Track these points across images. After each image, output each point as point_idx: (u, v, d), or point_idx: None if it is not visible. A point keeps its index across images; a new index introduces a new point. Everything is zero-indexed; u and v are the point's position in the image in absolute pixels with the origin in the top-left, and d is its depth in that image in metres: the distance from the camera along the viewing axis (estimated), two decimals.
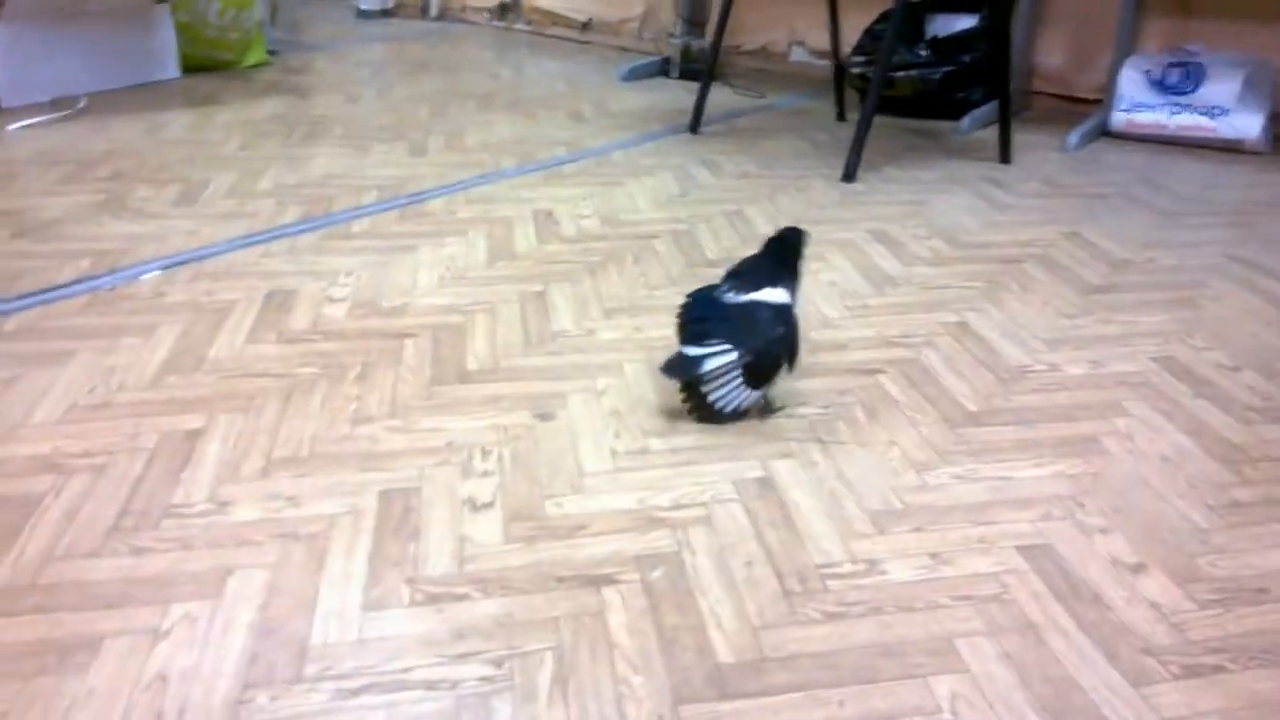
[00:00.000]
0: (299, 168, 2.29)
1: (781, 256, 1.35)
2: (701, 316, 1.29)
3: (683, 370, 1.26)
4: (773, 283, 1.30)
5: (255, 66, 3.33)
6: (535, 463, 1.19)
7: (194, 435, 1.23)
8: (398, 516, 1.08)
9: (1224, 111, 2.60)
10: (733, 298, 1.29)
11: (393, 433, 1.24)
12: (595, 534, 1.06)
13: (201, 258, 1.76)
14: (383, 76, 3.32)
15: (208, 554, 1.02)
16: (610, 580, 0.99)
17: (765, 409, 1.30)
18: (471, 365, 1.41)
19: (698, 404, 1.27)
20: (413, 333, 1.50)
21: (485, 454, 1.20)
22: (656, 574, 1.01)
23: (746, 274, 1.32)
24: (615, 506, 1.11)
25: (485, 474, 1.16)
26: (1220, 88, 2.60)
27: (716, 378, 1.24)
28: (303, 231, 1.90)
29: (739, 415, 1.28)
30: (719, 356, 1.24)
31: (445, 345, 1.47)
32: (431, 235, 1.90)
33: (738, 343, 1.24)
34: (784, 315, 1.29)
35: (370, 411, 1.29)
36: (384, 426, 1.25)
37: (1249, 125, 2.57)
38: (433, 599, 0.97)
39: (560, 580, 0.99)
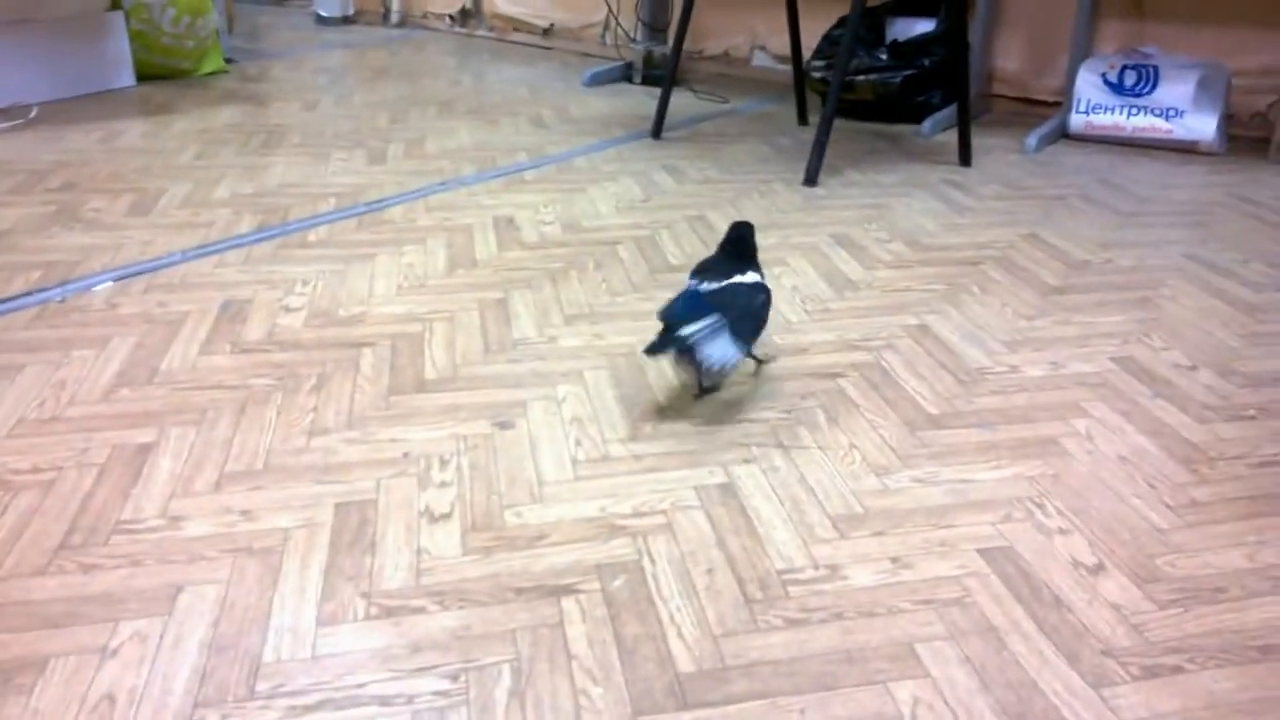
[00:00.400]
0: (255, 176, 2.26)
1: (739, 250, 1.40)
2: (684, 309, 1.29)
3: (670, 336, 1.24)
4: (741, 271, 1.36)
5: (212, 74, 3.29)
6: (494, 472, 1.17)
7: (146, 449, 1.20)
8: (353, 529, 1.06)
9: (1179, 113, 2.63)
10: (708, 287, 1.32)
11: (349, 444, 1.22)
12: (555, 544, 1.05)
13: (155, 269, 1.73)
14: (342, 83, 3.29)
15: (158, 570, 1.00)
16: (570, 590, 0.98)
17: (758, 363, 1.40)
18: (430, 374, 1.39)
19: (692, 369, 1.30)
20: (370, 342, 1.48)
21: (443, 464, 1.18)
22: (617, 583, 1.00)
23: (712, 269, 1.37)
24: (575, 515, 1.10)
25: (443, 484, 1.14)
26: (1175, 89, 2.63)
27: (705, 337, 1.24)
28: (259, 241, 1.87)
29: (725, 375, 1.33)
30: (704, 319, 1.26)
31: (403, 354, 1.45)
32: (390, 243, 1.88)
33: (723, 311, 1.27)
34: (760, 287, 1.36)
35: (326, 422, 1.27)
36: (340, 438, 1.23)
37: (1204, 126, 2.61)
38: (388, 613, 0.95)
39: (519, 591, 0.98)
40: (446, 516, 1.09)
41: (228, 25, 3.59)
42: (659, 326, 1.28)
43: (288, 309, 1.59)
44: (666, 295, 1.67)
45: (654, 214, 2.10)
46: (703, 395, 1.36)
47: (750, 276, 1.36)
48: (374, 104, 3.00)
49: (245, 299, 1.62)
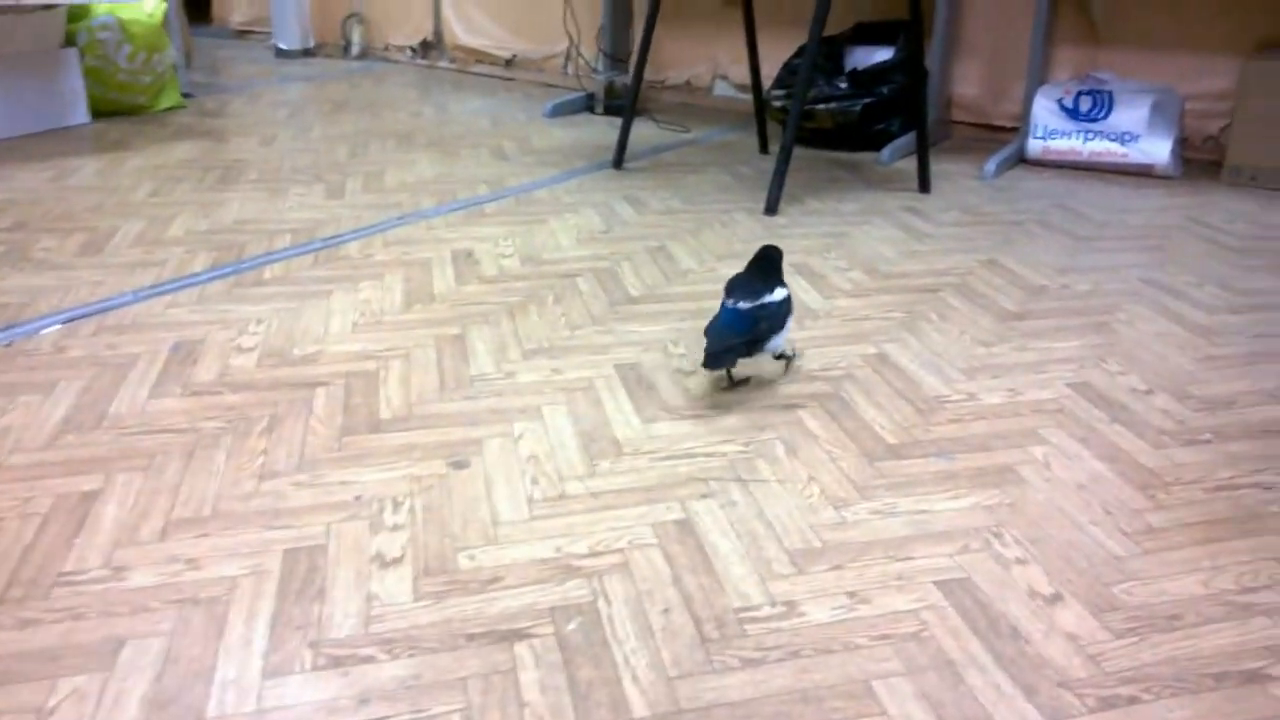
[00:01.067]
0: (211, 213, 2.24)
1: (766, 268, 1.50)
2: (733, 322, 1.43)
3: (734, 347, 1.42)
4: (770, 289, 1.47)
5: (169, 110, 3.27)
6: (448, 514, 1.15)
7: (90, 497, 1.17)
8: (302, 576, 1.04)
9: (1134, 137, 2.67)
10: (745, 305, 1.44)
11: (300, 488, 1.20)
12: (509, 587, 1.03)
13: (105, 310, 1.70)
14: (301, 117, 3.27)
15: (100, 624, 0.97)
16: (523, 635, 0.96)
17: (789, 361, 1.54)
18: (384, 414, 1.38)
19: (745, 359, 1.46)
20: (324, 381, 1.46)
21: (396, 506, 1.16)
22: (571, 626, 0.98)
23: (744, 286, 1.48)
24: (531, 556, 1.08)
25: (395, 528, 1.12)
26: (1130, 114, 2.67)
27: (769, 315, 1.43)
28: (212, 279, 1.85)
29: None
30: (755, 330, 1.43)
31: (357, 394, 1.43)
32: (346, 279, 1.86)
33: (763, 322, 1.43)
34: (788, 301, 1.49)
35: (277, 466, 1.24)
36: (290, 481, 1.21)
37: (1158, 150, 2.64)
38: (336, 662, 0.93)
39: (470, 638, 0.96)
40: (398, 561, 1.07)
41: (185, 60, 3.57)
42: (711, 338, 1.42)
43: (240, 349, 1.56)
44: (627, 328, 1.66)
45: (615, 245, 2.09)
46: (735, 387, 1.48)
47: (779, 293, 1.48)
48: (333, 137, 2.99)
49: (197, 339, 1.59)
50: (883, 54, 2.98)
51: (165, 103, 3.26)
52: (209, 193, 2.39)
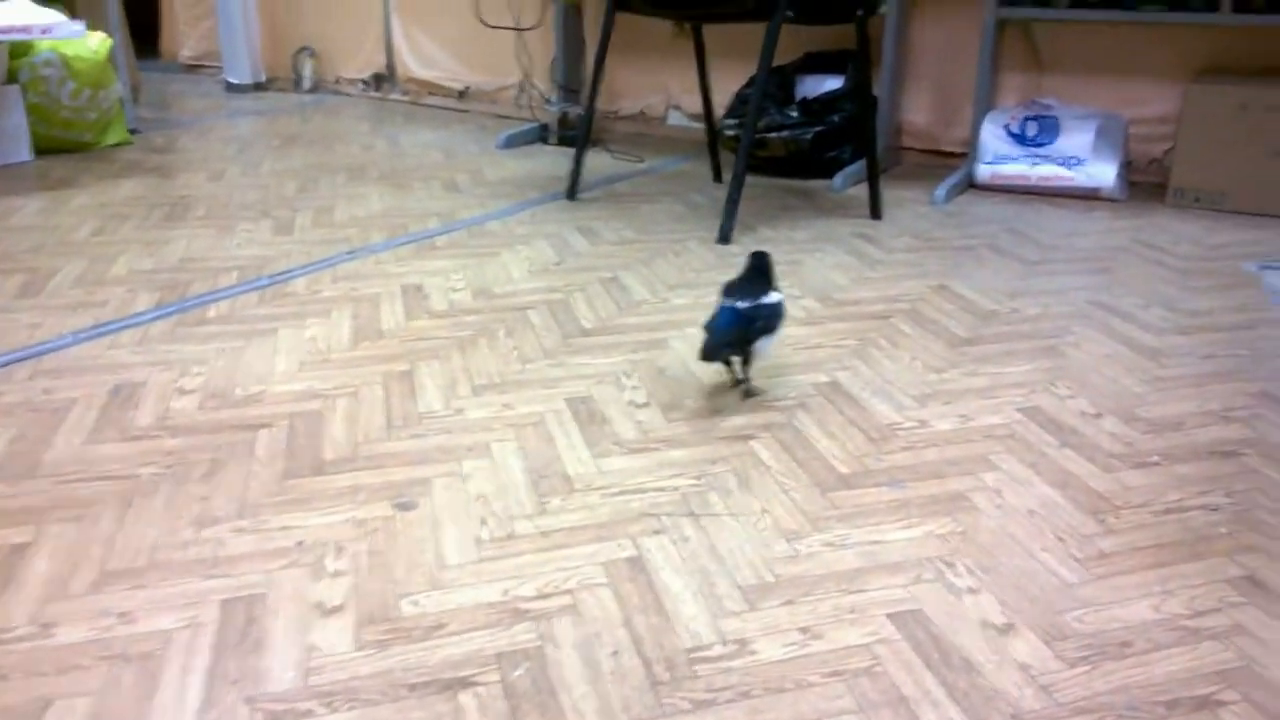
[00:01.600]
0: (156, 251, 2.20)
1: (759, 274, 1.56)
2: (731, 320, 1.48)
3: (728, 342, 1.48)
4: (765, 292, 1.53)
5: (115, 146, 3.22)
6: (393, 558, 1.13)
7: (20, 550, 1.13)
8: (240, 628, 1.01)
9: (1080, 161, 2.70)
10: (744, 305, 1.49)
11: (239, 534, 1.17)
12: (454, 633, 1.01)
13: (42, 353, 1.66)
14: (251, 152, 3.24)
15: (24, 685, 0.93)
16: (467, 683, 0.94)
17: (750, 392, 1.55)
18: (329, 455, 1.35)
19: (741, 360, 1.52)
20: (267, 423, 1.43)
21: (339, 552, 1.14)
22: (518, 673, 0.96)
23: (740, 289, 1.53)
24: (477, 600, 1.06)
25: (337, 574, 1.10)
26: (1075, 139, 2.71)
27: (765, 316, 1.50)
28: (155, 319, 1.81)
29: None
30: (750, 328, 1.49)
31: (301, 435, 1.40)
32: (293, 317, 1.83)
33: (759, 320, 1.50)
34: (781, 304, 1.55)
35: (216, 512, 1.21)
36: (230, 528, 1.18)
37: (1104, 174, 2.68)
38: (274, 718, 0.90)
39: (413, 688, 0.93)
40: (339, 609, 1.04)
41: (132, 95, 3.52)
42: (694, 342, 1.47)
43: (182, 391, 1.53)
44: (579, 361, 1.65)
45: (567, 277, 2.08)
46: (738, 386, 1.55)
47: (773, 296, 1.53)
48: (283, 172, 2.96)
49: (138, 382, 1.56)
50: (833, 83, 3.01)
51: (111, 139, 3.22)
52: (154, 230, 2.35)
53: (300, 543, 1.15)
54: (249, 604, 1.05)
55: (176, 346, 1.69)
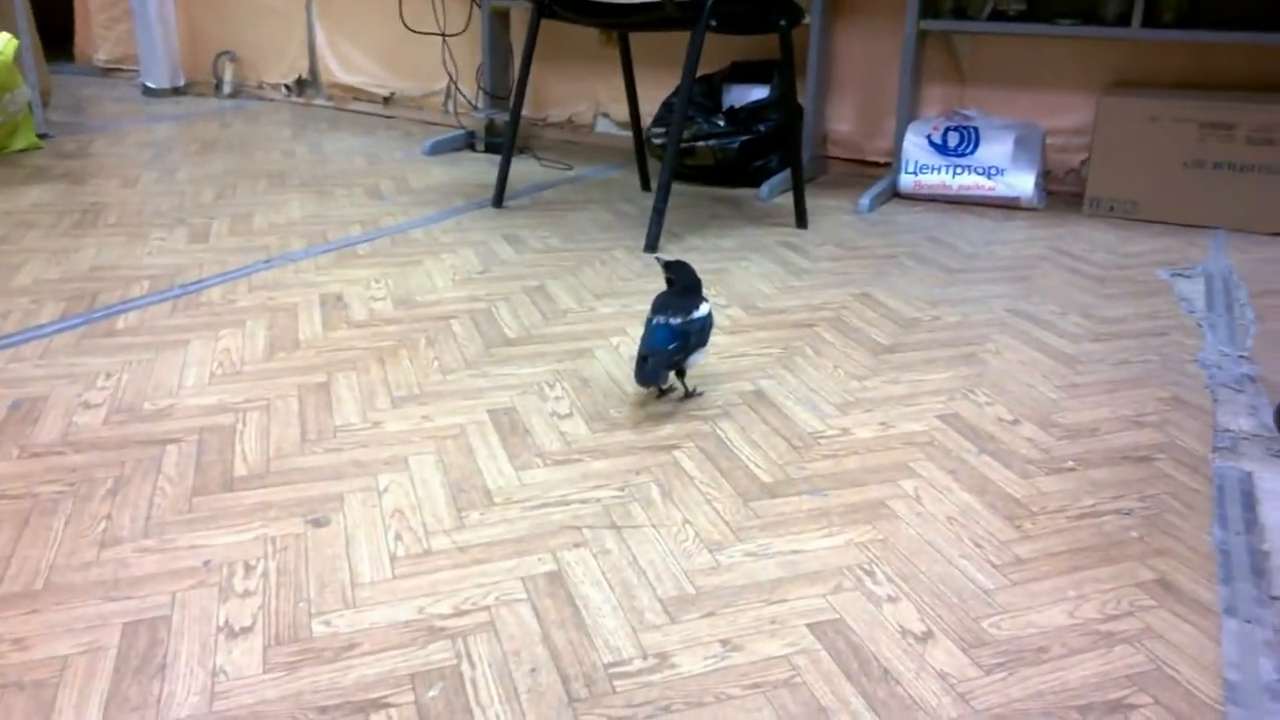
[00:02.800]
0: (63, 260, 2.12)
1: (689, 286, 1.57)
2: (666, 338, 1.49)
3: (662, 361, 1.48)
4: (696, 305, 1.54)
5: (23, 151, 3.11)
6: (304, 577, 1.09)
7: None
8: (142, 651, 0.97)
9: (1000, 171, 2.75)
10: (676, 321, 1.50)
11: (144, 554, 1.12)
12: (367, 653, 0.98)
13: None
14: (167, 158, 3.15)
15: None
16: (380, 705, 0.91)
17: (690, 393, 1.57)
18: (240, 470, 1.31)
19: (674, 375, 1.53)
20: (176, 438, 1.38)
21: (248, 570, 1.10)
22: (433, 693, 0.93)
23: (672, 305, 1.53)
24: (392, 619, 1.03)
25: (246, 594, 1.06)
26: (995, 149, 2.76)
27: (689, 353, 1.51)
28: (60, 331, 1.75)
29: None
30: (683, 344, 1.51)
31: (211, 450, 1.36)
32: (206, 328, 1.78)
33: (691, 336, 1.51)
34: (710, 317, 1.56)
35: (120, 532, 1.17)
36: (134, 548, 1.14)
37: (1023, 184, 2.73)
38: None
39: (323, 710, 0.90)
40: (248, 630, 1.01)
41: (42, 99, 3.41)
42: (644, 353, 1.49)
43: (87, 405, 1.47)
44: (503, 372, 1.63)
45: (492, 286, 2.06)
46: (663, 395, 1.56)
47: (704, 309, 1.55)
48: (200, 178, 2.88)
49: (39, 396, 1.50)
50: (759, 92, 3.03)
51: (19, 144, 3.11)
52: (62, 239, 2.27)
53: (208, 562, 1.11)
54: (152, 627, 1.01)
55: (82, 359, 1.63)
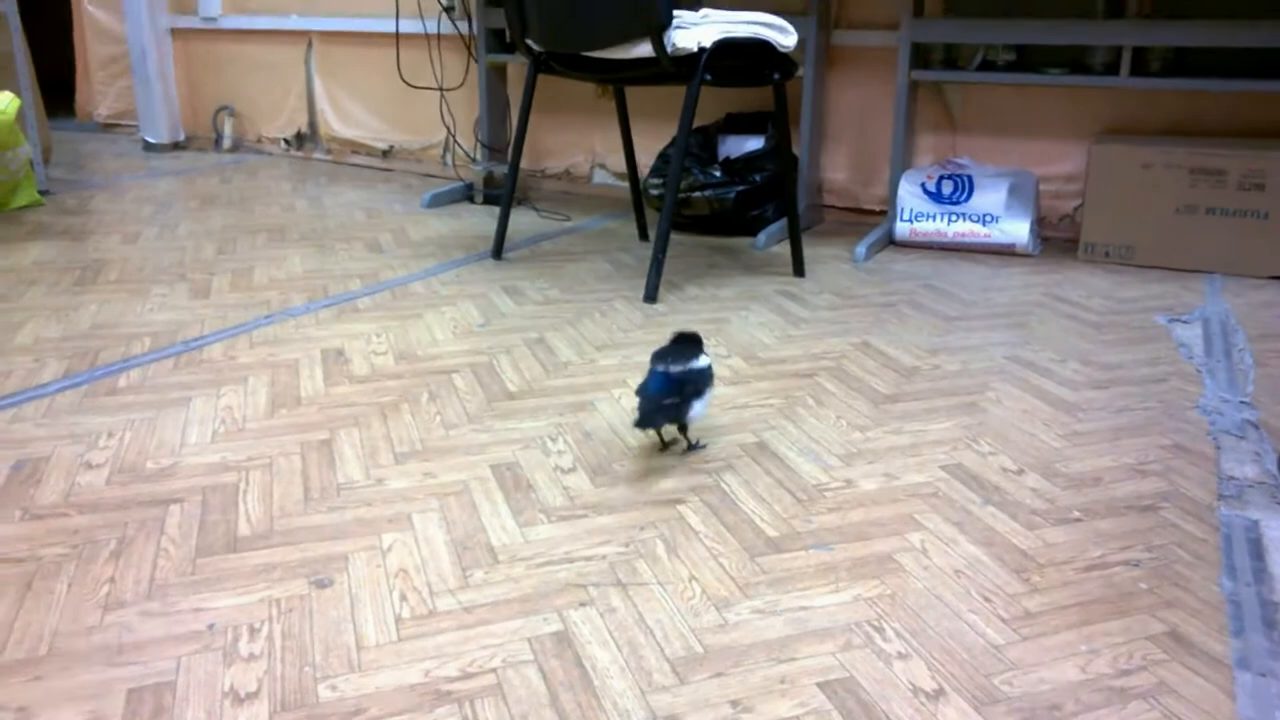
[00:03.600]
0: (64, 318, 2.13)
1: (690, 341, 1.58)
2: (662, 386, 1.50)
3: (661, 408, 1.49)
4: (695, 357, 1.55)
5: (25, 208, 3.13)
6: (309, 639, 1.08)
7: None
8: (146, 719, 0.96)
9: (994, 218, 2.78)
10: (675, 369, 1.51)
11: (148, 618, 1.11)
12: (374, 718, 0.97)
13: None
14: (168, 213, 3.17)
15: None
16: None
17: (694, 448, 1.58)
18: (244, 530, 1.30)
19: (675, 424, 1.54)
20: (179, 498, 1.38)
21: (253, 634, 1.09)
22: None
23: (671, 354, 1.54)
24: (397, 683, 1.02)
25: (251, 658, 1.05)
26: (989, 197, 2.79)
27: (685, 403, 1.50)
28: (62, 390, 1.75)
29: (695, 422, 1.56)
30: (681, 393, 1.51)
31: (214, 509, 1.35)
32: (208, 384, 1.78)
33: (689, 384, 1.51)
34: (710, 369, 1.56)
35: (124, 595, 1.16)
36: (138, 611, 1.13)
37: (1018, 230, 2.76)
38: None
39: None
40: (253, 695, 1.00)
41: (43, 155, 3.43)
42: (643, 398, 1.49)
43: (89, 465, 1.47)
44: (505, 426, 1.63)
45: (493, 338, 2.06)
46: (667, 448, 1.57)
47: (702, 360, 1.55)
48: (200, 234, 2.90)
49: (42, 456, 1.49)
50: (754, 143, 3.06)
51: (21, 200, 3.13)
52: (63, 296, 2.28)
53: (212, 625, 1.10)
54: (157, 693, 1.00)
55: (84, 418, 1.63)
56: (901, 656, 1.08)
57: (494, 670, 1.04)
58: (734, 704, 1.00)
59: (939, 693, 1.02)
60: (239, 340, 2.02)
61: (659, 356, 1.55)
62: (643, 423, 1.48)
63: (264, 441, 1.56)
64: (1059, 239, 2.89)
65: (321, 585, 1.18)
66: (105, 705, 0.98)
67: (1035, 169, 2.89)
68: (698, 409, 1.53)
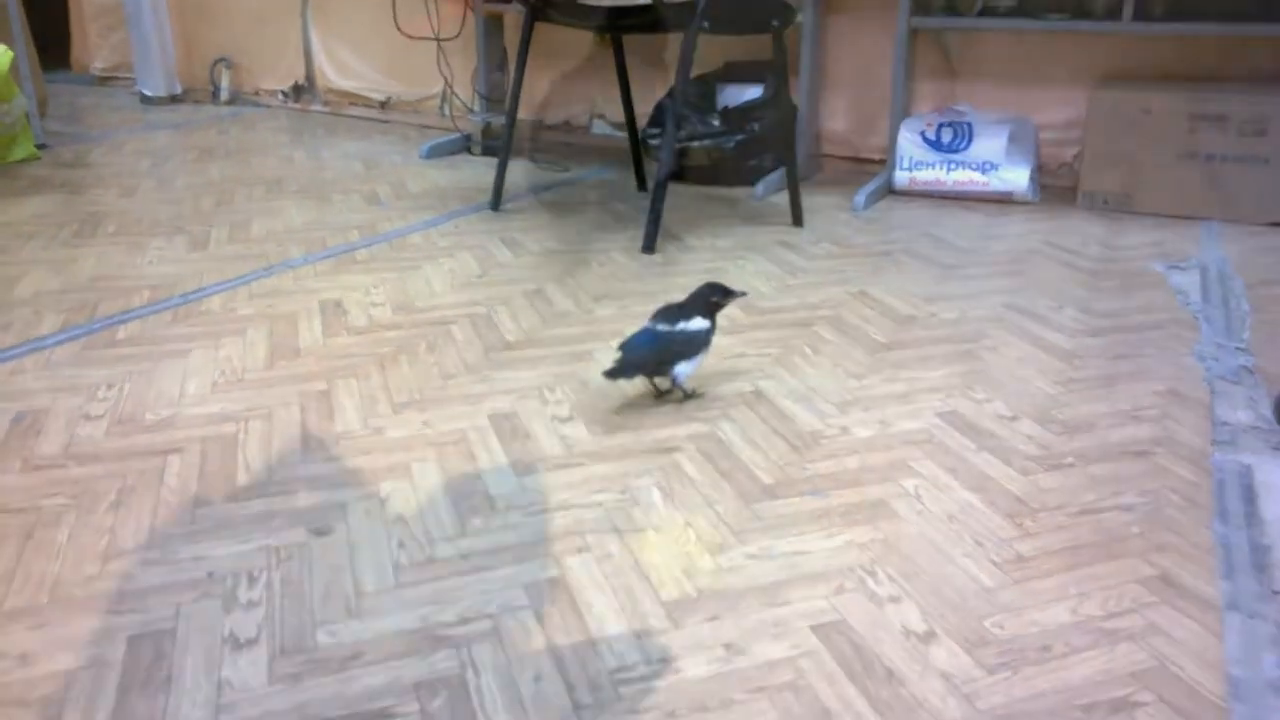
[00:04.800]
0: (63, 270, 2.13)
1: (696, 300, 1.57)
2: (644, 341, 1.52)
3: (635, 364, 1.50)
4: (690, 318, 1.54)
5: (22, 161, 3.11)
6: (308, 587, 1.10)
7: None
8: (147, 665, 0.98)
9: (994, 166, 2.76)
10: (663, 329, 1.52)
11: (148, 566, 1.13)
12: (371, 663, 0.98)
13: None
14: (165, 166, 3.15)
15: None
16: (385, 715, 0.92)
17: (688, 395, 1.57)
18: (242, 479, 1.31)
19: (664, 380, 1.55)
20: (178, 448, 1.39)
21: (252, 581, 1.10)
22: (437, 702, 0.94)
23: (666, 312, 1.55)
24: (395, 628, 1.04)
25: (250, 605, 1.06)
26: (988, 144, 2.76)
27: (681, 342, 1.52)
28: (61, 342, 1.75)
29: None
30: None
31: (214, 459, 1.36)
32: (207, 336, 1.78)
33: (672, 345, 1.52)
34: (705, 334, 1.55)
35: (124, 544, 1.17)
36: (138, 560, 1.14)
37: (1017, 178, 2.74)
38: None
39: None
40: (253, 641, 1.01)
41: (39, 108, 3.41)
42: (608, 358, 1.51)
43: (89, 417, 1.48)
44: (503, 376, 1.63)
45: (491, 290, 2.06)
46: (661, 397, 1.57)
47: (696, 324, 1.54)
48: (198, 186, 2.88)
49: (41, 408, 1.50)
50: (753, 92, 3.03)
51: (17, 154, 3.11)
52: (62, 249, 2.28)
53: (211, 573, 1.12)
54: (157, 639, 1.01)
55: (83, 370, 1.64)
56: (894, 600, 1.09)
57: (491, 615, 1.06)
58: (727, 646, 1.01)
59: (930, 635, 1.03)
60: (238, 292, 2.02)
61: (658, 313, 1.55)
62: (611, 373, 1.49)
63: (263, 392, 1.57)
64: (1058, 186, 2.87)
65: (320, 533, 1.19)
66: (106, 651, 0.99)
67: (1034, 116, 2.86)
68: (682, 370, 1.53)
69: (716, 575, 1.13)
